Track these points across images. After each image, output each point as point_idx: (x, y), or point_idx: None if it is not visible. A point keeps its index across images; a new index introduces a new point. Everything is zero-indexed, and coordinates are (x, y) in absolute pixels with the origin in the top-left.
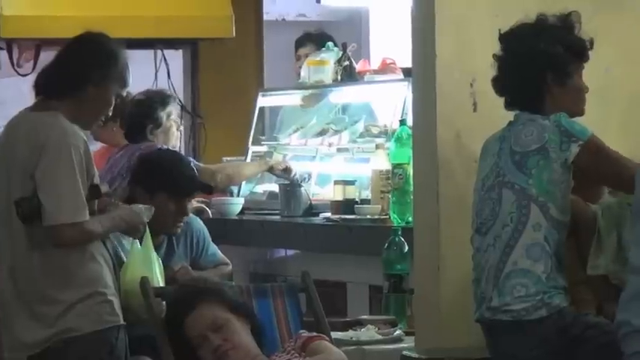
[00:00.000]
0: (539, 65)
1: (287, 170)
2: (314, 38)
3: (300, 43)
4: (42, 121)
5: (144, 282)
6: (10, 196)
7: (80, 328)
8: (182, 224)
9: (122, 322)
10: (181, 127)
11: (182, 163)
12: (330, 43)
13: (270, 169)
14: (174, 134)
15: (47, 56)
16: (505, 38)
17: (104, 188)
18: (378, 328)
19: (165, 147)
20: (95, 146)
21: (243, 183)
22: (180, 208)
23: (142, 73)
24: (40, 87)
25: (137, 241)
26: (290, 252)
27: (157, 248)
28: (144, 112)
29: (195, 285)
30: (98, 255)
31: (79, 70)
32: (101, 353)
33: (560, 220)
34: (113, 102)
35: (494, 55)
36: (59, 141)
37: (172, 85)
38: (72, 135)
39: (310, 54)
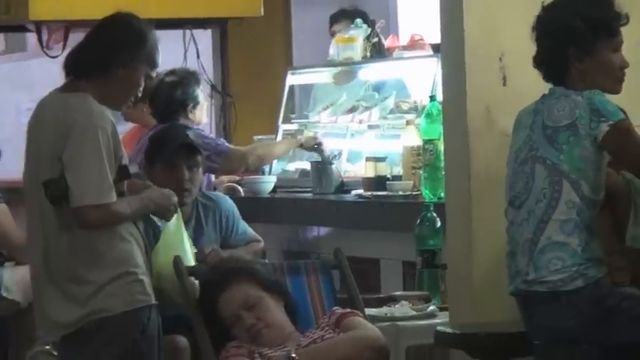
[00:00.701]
0: (562, 40)
1: (319, 146)
2: (349, 14)
3: (334, 19)
4: (69, 103)
5: (177, 261)
6: (39, 177)
7: (111, 308)
8: (189, 192)
9: (154, 301)
10: (212, 101)
11: (173, 133)
12: (358, 20)
13: (302, 145)
14: (205, 111)
15: (76, 38)
16: (541, 11)
17: (133, 169)
18: (412, 304)
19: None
20: (126, 127)
21: (275, 161)
22: (178, 175)
23: (171, 54)
24: (69, 68)
25: (168, 222)
26: (322, 229)
27: (185, 227)
28: (184, 92)
29: (227, 264)
30: (127, 235)
31: (107, 51)
32: (133, 333)
33: (592, 198)
34: (142, 83)
35: (532, 27)
36: (86, 123)
37: (202, 64)
38: (99, 117)
39: (344, 27)
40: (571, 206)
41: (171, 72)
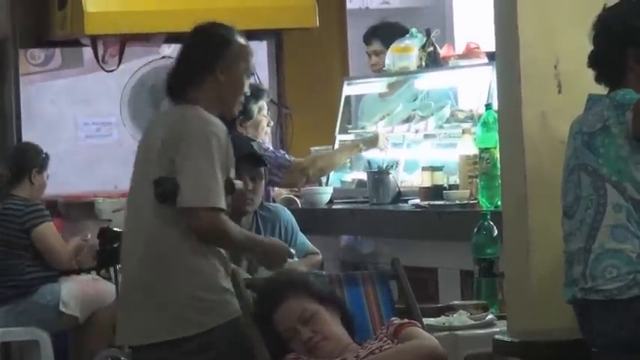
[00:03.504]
0: (621, 39)
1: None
2: (380, 33)
3: (367, 40)
4: (185, 112)
5: (234, 274)
6: (149, 178)
7: (206, 322)
8: (251, 201)
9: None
10: (271, 123)
11: (237, 142)
12: (413, 29)
13: (361, 149)
14: (263, 129)
15: (132, 51)
16: (604, 10)
17: (238, 184)
18: (470, 313)
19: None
20: None
21: (332, 172)
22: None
23: None
24: (172, 87)
25: None
26: (380, 239)
27: None
28: None
29: (282, 278)
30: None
31: (202, 57)
32: (221, 346)
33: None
34: (246, 82)
35: (592, 26)
36: (202, 129)
37: (257, 76)
38: (214, 125)
39: (379, 50)
40: (618, 210)
41: None
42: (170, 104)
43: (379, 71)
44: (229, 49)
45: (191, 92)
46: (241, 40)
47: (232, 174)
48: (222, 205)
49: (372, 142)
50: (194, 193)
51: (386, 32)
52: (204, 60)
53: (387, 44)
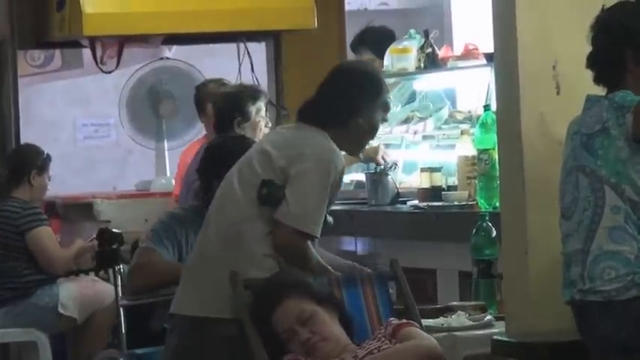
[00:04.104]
0: (619, 41)
1: (379, 155)
2: (367, 40)
3: (354, 50)
4: (311, 133)
5: (232, 274)
6: (254, 176)
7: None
8: None
9: None
10: (269, 124)
11: (249, 144)
12: (412, 31)
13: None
14: (261, 130)
15: (130, 53)
16: (602, 11)
17: (330, 220)
18: (469, 314)
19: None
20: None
21: None
22: None
23: (226, 67)
24: (305, 117)
25: None
26: (378, 240)
27: None
28: (233, 105)
29: (279, 279)
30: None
31: (347, 104)
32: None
33: (638, 201)
34: (379, 128)
35: (590, 27)
36: (324, 153)
37: (256, 78)
38: (337, 156)
39: (369, 59)
40: (616, 212)
41: (237, 85)
42: (296, 123)
43: None
44: (378, 97)
45: (321, 129)
46: (386, 86)
47: (329, 209)
48: (315, 232)
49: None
50: (297, 210)
51: (373, 39)
52: (351, 105)
53: (376, 52)
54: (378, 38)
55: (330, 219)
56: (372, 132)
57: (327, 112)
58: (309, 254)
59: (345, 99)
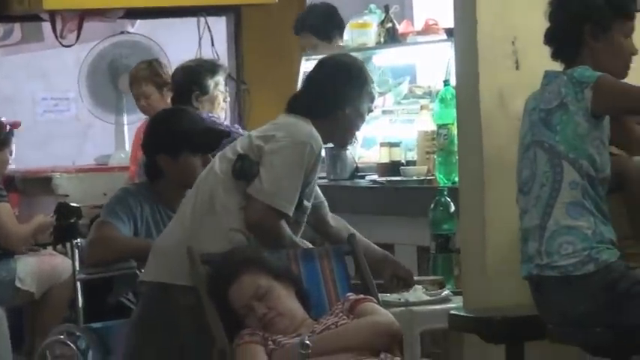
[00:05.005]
0: (578, 16)
1: None
2: (309, 24)
3: (297, 33)
4: (294, 120)
5: (190, 250)
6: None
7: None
8: None
9: None
10: (228, 99)
11: (196, 118)
12: (372, 5)
13: None
14: (220, 104)
15: (91, 26)
16: None
17: (305, 203)
18: (426, 289)
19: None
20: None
21: None
22: (206, 163)
23: (186, 42)
24: (292, 109)
25: None
26: (337, 215)
27: None
28: (191, 78)
29: (236, 255)
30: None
31: (334, 95)
32: None
33: (596, 177)
34: (365, 118)
35: (548, 3)
36: (303, 136)
37: (216, 52)
38: (314, 137)
39: (311, 44)
40: (574, 187)
41: (195, 60)
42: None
43: None
44: (364, 87)
45: (312, 111)
46: (371, 76)
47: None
48: (288, 210)
49: None
50: (269, 187)
51: (313, 21)
52: (338, 96)
53: (318, 33)
54: (318, 18)
55: (307, 203)
56: (359, 122)
57: (313, 103)
58: (282, 232)
59: (332, 90)
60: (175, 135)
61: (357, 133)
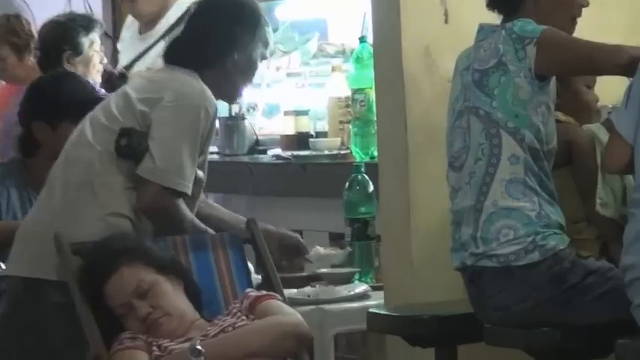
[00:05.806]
0: None
1: None
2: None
3: None
4: (177, 74)
5: (57, 236)
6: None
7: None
8: None
9: None
10: (105, 60)
11: (82, 83)
12: None
13: None
14: (95, 66)
15: None
16: None
17: (200, 175)
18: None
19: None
20: None
21: None
22: None
23: None
24: (172, 59)
25: None
26: (233, 197)
27: None
28: (62, 36)
29: (112, 244)
30: (129, 212)
31: (220, 40)
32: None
33: (540, 149)
34: (258, 66)
35: None
36: (192, 96)
37: (90, 7)
38: (207, 97)
39: None
40: (515, 161)
41: (66, 14)
42: (162, 66)
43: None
44: (256, 29)
45: (195, 60)
46: (265, 18)
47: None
48: (186, 189)
49: None
50: (163, 165)
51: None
52: (224, 41)
53: None
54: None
55: (201, 174)
56: (250, 71)
57: (197, 50)
58: (181, 214)
59: (218, 33)
60: (60, 101)
61: (255, 99)
